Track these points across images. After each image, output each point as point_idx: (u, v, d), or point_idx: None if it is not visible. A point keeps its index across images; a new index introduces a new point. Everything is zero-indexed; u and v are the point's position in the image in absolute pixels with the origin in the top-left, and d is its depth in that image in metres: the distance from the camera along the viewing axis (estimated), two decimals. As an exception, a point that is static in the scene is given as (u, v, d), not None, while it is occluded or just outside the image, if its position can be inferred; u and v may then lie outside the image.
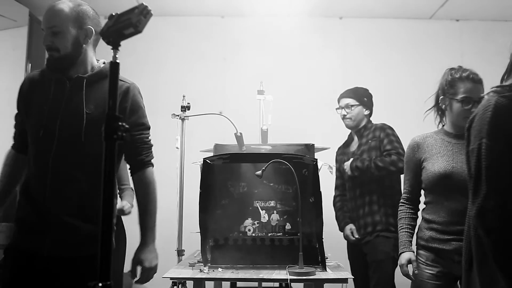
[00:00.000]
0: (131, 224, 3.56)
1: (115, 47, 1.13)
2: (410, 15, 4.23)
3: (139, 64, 3.98)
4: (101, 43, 1.16)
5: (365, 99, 2.77)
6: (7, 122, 3.78)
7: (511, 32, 4.26)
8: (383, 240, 2.52)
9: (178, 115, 2.62)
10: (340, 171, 2.83)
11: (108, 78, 1.11)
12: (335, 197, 2.90)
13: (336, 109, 2.83)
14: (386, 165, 2.50)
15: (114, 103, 1.08)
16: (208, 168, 2.09)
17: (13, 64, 3.88)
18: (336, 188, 2.91)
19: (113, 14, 1.17)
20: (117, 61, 1.11)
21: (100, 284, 1.05)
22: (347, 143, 2.87)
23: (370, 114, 2.80)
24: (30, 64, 3.81)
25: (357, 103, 2.74)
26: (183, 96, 2.66)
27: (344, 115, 2.76)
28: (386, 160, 2.51)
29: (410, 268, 2.04)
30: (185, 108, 2.62)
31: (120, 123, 1.08)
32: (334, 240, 3.69)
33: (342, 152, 2.86)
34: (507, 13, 4.16)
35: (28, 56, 3.78)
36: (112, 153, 1.07)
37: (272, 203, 2.20)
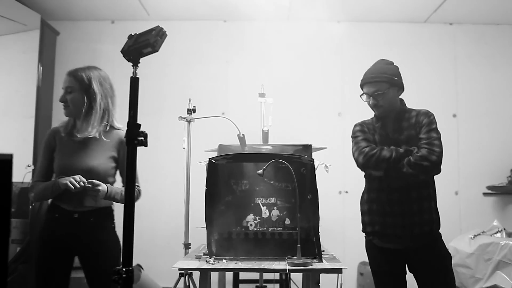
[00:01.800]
0: (142, 220, 3.74)
1: (135, 64, 1.30)
2: (406, 19, 4.36)
3: (144, 67, 4.12)
4: (122, 59, 1.31)
5: (396, 78, 2.26)
6: (18, 122, 3.96)
7: (503, 35, 4.40)
8: (442, 241, 2.26)
9: (184, 118, 2.75)
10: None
11: (129, 92, 1.28)
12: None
13: (361, 95, 2.32)
14: (418, 161, 2.11)
15: (135, 113, 1.25)
16: (213, 167, 2.20)
17: (23, 67, 4.02)
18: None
19: (132, 34, 1.34)
20: (137, 76, 1.28)
21: (124, 269, 1.22)
22: (383, 124, 2.30)
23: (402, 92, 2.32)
24: (41, 67, 3.95)
25: (389, 86, 2.23)
26: (189, 100, 2.80)
27: (375, 104, 2.25)
28: (417, 156, 2.12)
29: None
30: (191, 111, 2.75)
31: (140, 130, 1.25)
32: (330, 235, 3.85)
33: (379, 132, 2.30)
34: (499, 17, 4.28)
35: (40, 59, 3.93)
36: (134, 156, 1.24)
37: (273, 200, 2.30)
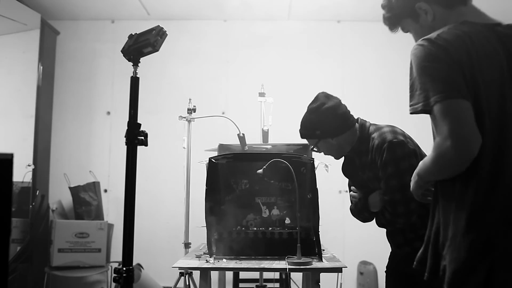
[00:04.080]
0: (142, 219, 3.74)
1: (135, 63, 1.30)
2: (406, 18, 4.36)
3: (144, 67, 4.13)
4: (122, 59, 1.31)
5: (318, 132, 1.92)
6: (18, 122, 3.97)
7: (503, 35, 4.40)
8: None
9: (184, 117, 2.76)
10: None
11: (129, 91, 1.28)
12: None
13: None
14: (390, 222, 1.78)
15: (135, 113, 1.25)
16: (213, 167, 2.22)
17: (23, 67, 4.03)
18: None
19: (133, 34, 1.34)
20: (137, 76, 1.28)
21: (124, 268, 1.22)
22: (349, 163, 2.04)
23: (348, 127, 1.92)
24: (41, 67, 3.96)
25: (316, 140, 1.96)
26: (189, 99, 2.81)
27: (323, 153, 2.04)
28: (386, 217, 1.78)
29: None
30: (191, 111, 2.76)
31: (140, 130, 1.26)
32: (330, 234, 3.85)
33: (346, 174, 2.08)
34: (499, 16, 4.27)
35: (40, 58, 3.93)
36: (134, 156, 1.24)
37: (273, 199, 2.30)
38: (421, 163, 1.23)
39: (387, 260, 1.99)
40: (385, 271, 2.02)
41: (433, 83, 1.12)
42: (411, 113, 1.20)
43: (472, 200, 1.11)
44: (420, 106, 1.15)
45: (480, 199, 1.11)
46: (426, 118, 1.18)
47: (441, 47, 1.14)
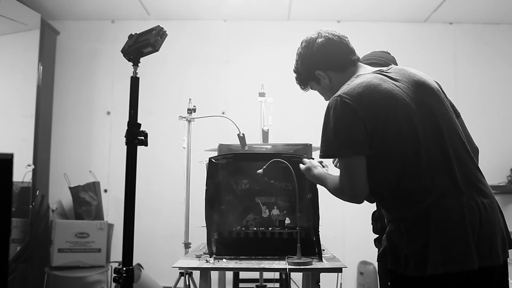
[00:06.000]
0: (142, 219, 3.75)
1: (135, 63, 1.30)
2: (405, 18, 4.36)
3: (144, 67, 4.13)
4: (122, 59, 1.31)
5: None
6: (18, 122, 3.97)
7: (502, 35, 4.41)
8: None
9: (184, 117, 2.76)
10: None
11: (129, 91, 1.28)
12: None
13: None
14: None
15: (135, 113, 1.25)
16: (213, 167, 2.22)
17: (23, 66, 4.03)
18: None
19: (133, 34, 1.34)
20: (137, 76, 1.28)
21: (124, 268, 1.22)
22: None
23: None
24: (41, 67, 3.96)
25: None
26: (189, 99, 2.81)
27: None
28: None
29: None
30: (191, 111, 2.76)
31: (140, 130, 1.26)
32: (330, 234, 3.86)
33: None
34: (499, 16, 4.28)
35: (40, 58, 3.93)
36: (134, 155, 1.24)
37: (273, 199, 2.30)
38: (330, 179, 1.62)
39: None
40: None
41: (338, 140, 1.42)
42: (321, 157, 1.51)
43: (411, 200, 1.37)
44: (327, 154, 1.46)
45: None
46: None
47: (346, 105, 1.40)
